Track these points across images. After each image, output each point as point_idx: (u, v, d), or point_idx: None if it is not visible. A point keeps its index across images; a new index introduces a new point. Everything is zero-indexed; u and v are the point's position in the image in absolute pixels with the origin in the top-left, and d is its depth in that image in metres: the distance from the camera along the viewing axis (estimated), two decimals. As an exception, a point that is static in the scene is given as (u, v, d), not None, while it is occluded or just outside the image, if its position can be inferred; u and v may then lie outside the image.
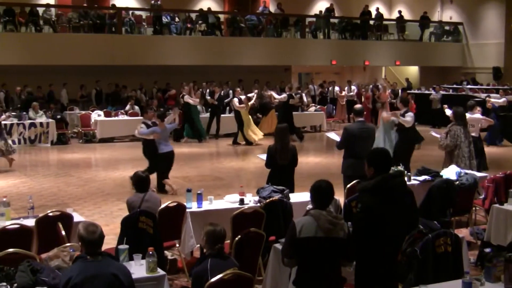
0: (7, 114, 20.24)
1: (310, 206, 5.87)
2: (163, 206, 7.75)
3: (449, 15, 32.31)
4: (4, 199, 7.61)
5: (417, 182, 9.98)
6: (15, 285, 5.27)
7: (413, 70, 33.34)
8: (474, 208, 9.97)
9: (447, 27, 31.74)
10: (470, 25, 31.13)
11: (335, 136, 10.95)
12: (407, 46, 30.26)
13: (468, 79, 30.02)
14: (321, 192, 5.47)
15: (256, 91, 21.84)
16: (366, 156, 5.78)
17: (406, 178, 9.75)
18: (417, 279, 5.65)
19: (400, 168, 9.77)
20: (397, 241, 5.53)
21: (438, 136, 11.89)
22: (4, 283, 5.31)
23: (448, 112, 12.28)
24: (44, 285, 5.24)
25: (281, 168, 9.51)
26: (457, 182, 9.45)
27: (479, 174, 10.31)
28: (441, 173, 10.07)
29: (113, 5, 25.90)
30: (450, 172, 9.90)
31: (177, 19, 25.62)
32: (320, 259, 5.28)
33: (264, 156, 10.16)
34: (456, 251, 6.07)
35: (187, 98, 20.61)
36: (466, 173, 9.82)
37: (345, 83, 29.30)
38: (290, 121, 21.56)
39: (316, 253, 5.27)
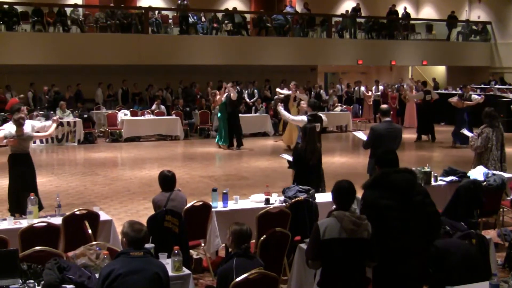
0: (35, 113, 20.44)
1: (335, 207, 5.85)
2: (188, 205, 7.76)
3: (477, 14, 32.00)
4: (32, 198, 7.68)
5: (444, 182, 9.89)
6: (42, 282, 5.33)
7: (440, 70, 33.10)
8: (501, 209, 9.87)
9: (475, 27, 31.42)
10: (498, 25, 30.81)
11: (362, 135, 10.90)
12: (435, 46, 30.02)
13: (496, 79, 29.72)
14: (343, 192, 5.47)
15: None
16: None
17: (433, 179, 9.72)
18: (443, 280, 5.59)
19: (427, 169, 9.72)
20: (412, 239, 5.39)
21: (470, 135, 11.70)
22: (32, 280, 5.37)
23: (468, 134, 12.02)
24: (71, 283, 5.29)
25: (310, 168, 9.52)
26: (485, 183, 9.35)
27: (507, 175, 10.17)
28: (468, 174, 9.97)
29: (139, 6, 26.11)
30: (478, 173, 9.80)
31: (203, 19, 25.68)
32: (345, 260, 5.27)
33: (287, 156, 10.16)
34: (483, 252, 6.02)
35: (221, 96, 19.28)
36: (493, 174, 9.71)
37: (372, 83, 29.18)
38: None
39: (341, 254, 5.26)
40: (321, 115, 12.18)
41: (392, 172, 5.48)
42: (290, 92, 20.72)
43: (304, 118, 11.91)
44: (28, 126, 9.97)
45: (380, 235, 5.33)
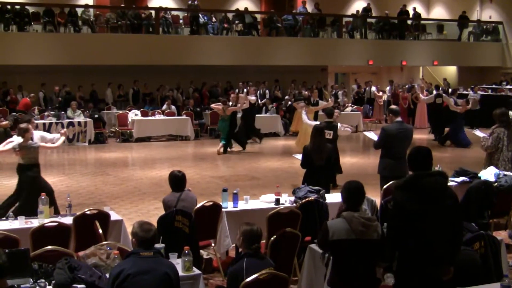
0: (46, 113, 20.52)
1: (345, 207, 5.86)
2: (199, 205, 7.77)
3: (489, 14, 31.86)
4: (43, 197, 7.71)
5: (455, 183, 9.84)
6: (53, 282, 5.35)
7: (451, 70, 32.97)
8: (513, 210, 9.82)
9: (486, 27, 31.28)
10: (510, 24, 30.63)
11: (373, 136, 10.90)
12: (445, 46, 29.89)
13: (508, 79, 29.57)
14: (351, 193, 5.47)
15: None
16: (404, 156, 5.72)
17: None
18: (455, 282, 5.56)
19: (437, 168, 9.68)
20: (439, 244, 5.25)
21: (481, 135, 11.65)
22: (43, 280, 5.39)
23: (480, 134, 11.99)
24: (82, 282, 5.31)
25: (318, 169, 9.51)
26: (496, 183, 9.31)
27: (518, 176, 10.12)
28: (479, 175, 9.92)
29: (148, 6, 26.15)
30: (489, 174, 9.75)
31: (214, 19, 25.68)
32: (354, 261, 5.26)
33: (299, 156, 10.16)
34: (494, 253, 5.98)
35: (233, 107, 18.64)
36: (505, 175, 9.65)
37: (382, 83, 29.12)
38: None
39: (349, 255, 5.25)
40: (340, 125, 12.55)
41: (425, 175, 5.33)
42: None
43: (316, 123, 12.11)
44: (37, 136, 10.03)
45: (405, 237, 5.25)
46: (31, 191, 9.57)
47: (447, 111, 21.09)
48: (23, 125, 9.89)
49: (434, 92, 22.75)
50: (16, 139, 9.85)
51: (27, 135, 9.68)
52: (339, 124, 12.61)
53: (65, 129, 11.87)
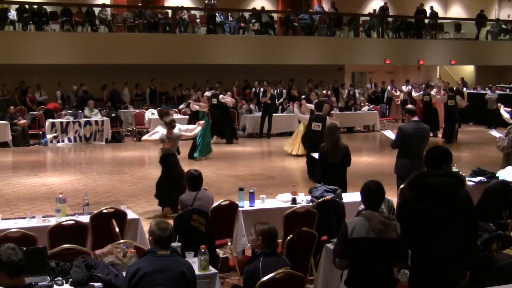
0: (63, 112, 20.63)
1: (362, 206, 5.83)
2: (215, 204, 7.78)
3: (507, 13, 31.64)
4: (60, 196, 7.74)
5: (472, 183, 9.79)
6: (70, 280, 5.38)
7: (468, 70, 32.77)
8: (531, 211, 9.72)
9: (504, 26, 31.03)
10: (528, 24, 30.43)
11: (391, 134, 10.87)
12: (463, 45, 29.68)
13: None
14: (370, 193, 5.43)
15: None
16: (421, 155, 5.68)
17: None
18: (471, 283, 5.53)
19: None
20: (450, 246, 5.16)
21: (497, 135, 11.59)
22: (60, 278, 5.43)
23: (504, 112, 11.93)
24: (98, 281, 5.34)
25: (332, 167, 9.52)
26: (514, 183, 9.24)
27: (536, 176, 10.03)
28: (497, 174, 9.87)
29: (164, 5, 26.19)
30: (507, 174, 9.69)
31: (230, 19, 25.70)
32: (372, 260, 5.24)
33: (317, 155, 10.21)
34: None
35: (194, 105, 17.75)
36: (523, 175, 9.60)
37: (399, 83, 28.96)
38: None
39: (368, 254, 5.22)
40: (328, 118, 13.66)
41: (430, 175, 5.26)
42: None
43: (307, 116, 14.23)
44: (177, 128, 10.83)
45: (415, 237, 5.22)
46: (170, 178, 10.69)
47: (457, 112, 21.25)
48: (171, 118, 10.95)
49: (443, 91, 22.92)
50: (162, 130, 10.69)
51: (174, 127, 10.64)
52: (327, 117, 13.54)
53: (202, 121, 12.76)
